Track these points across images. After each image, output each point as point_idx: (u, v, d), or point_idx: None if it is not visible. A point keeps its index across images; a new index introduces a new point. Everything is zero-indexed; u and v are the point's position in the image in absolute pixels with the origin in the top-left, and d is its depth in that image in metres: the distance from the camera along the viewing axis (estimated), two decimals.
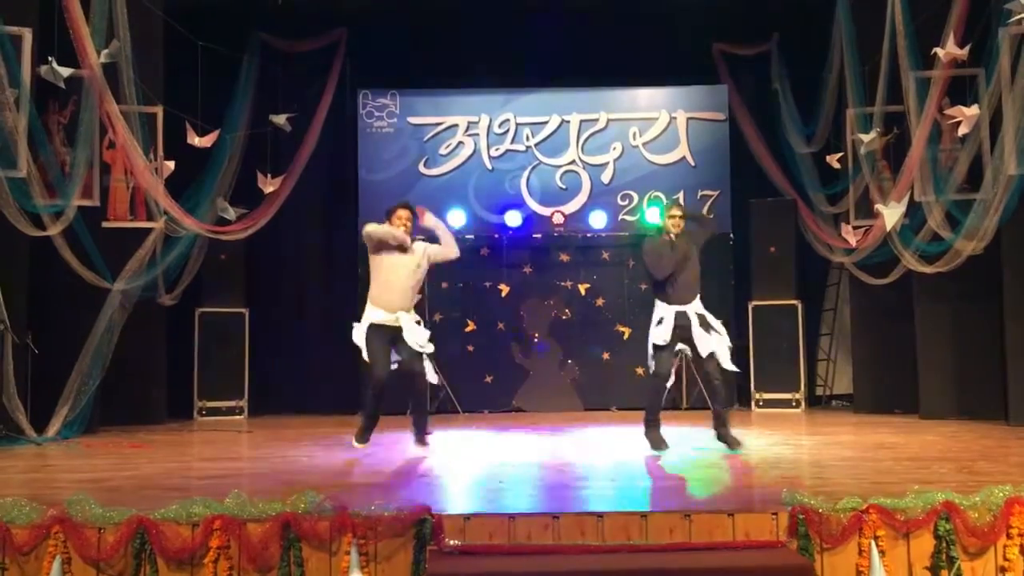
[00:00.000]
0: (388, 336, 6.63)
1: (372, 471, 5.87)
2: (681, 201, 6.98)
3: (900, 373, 9.08)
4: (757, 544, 4.25)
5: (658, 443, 6.56)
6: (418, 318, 6.84)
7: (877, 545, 4.20)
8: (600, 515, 4.33)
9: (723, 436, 6.57)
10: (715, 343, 6.49)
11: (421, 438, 6.75)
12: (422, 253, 6.81)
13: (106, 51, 7.52)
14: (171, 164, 8.74)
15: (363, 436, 6.76)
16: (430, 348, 6.70)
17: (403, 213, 6.73)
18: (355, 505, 4.28)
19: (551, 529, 4.29)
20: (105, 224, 8.55)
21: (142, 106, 8.25)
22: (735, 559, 4.16)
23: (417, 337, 6.63)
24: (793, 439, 7.46)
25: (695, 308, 6.57)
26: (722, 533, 4.29)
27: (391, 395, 6.66)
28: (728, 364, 6.51)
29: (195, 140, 8.76)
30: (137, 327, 8.55)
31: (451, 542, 4.20)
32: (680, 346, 6.54)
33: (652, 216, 9.72)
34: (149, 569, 4.08)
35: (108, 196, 8.69)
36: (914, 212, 8.10)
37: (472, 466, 6.15)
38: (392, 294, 6.65)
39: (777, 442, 7.22)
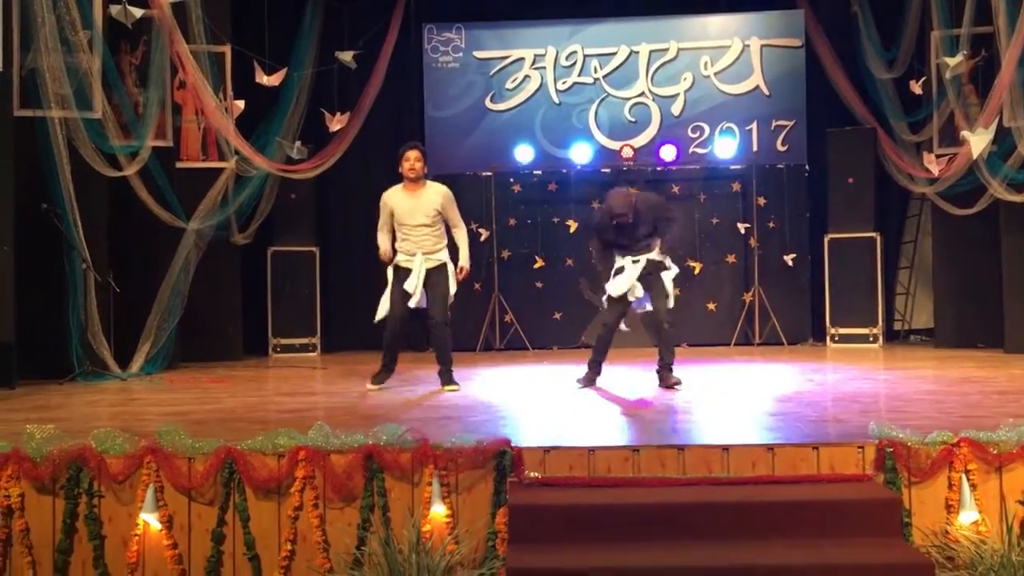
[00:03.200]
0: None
1: (449, 406, 5.91)
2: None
3: (984, 306, 8.80)
4: (843, 477, 4.18)
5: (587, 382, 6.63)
6: (443, 260, 6.58)
7: (968, 479, 4.10)
8: (681, 448, 4.30)
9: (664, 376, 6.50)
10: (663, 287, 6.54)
11: (442, 377, 6.63)
12: (437, 199, 6.53)
13: None
14: (240, 104, 8.79)
15: (377, 377, 6.73)
16: (416, 300, 6.45)
17: (411, 155, 6.50)
18: (435, 438, 4.31)
19: (631, 462, 4.28)
20: (179, 164, 8.68)
21: (210, 45, 8.29)
22: (820, 492, 4.11)
23: (413, 283, 6.44)
24: (872, 374, 7.31)
25: (648, 256, 6.57)
26: (806, 466, 4.23)
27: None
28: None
29: (263, 79, 8.78)
30: (212, 266, 8.72)
31: (531, 474, 4.21)
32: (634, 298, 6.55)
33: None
34: (238, 497, 4.19)
35: (180, 137, 8.80)
36: (1003, 138, 7.77)
37: (546, 400, 6.16)
38: (407, 238, 6.55)
39: (856, 376, 7.09)
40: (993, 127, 7.70)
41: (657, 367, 6.56)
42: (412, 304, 6.51)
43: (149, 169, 7.88)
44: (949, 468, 4.13)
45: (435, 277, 6.55)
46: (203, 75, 7.98)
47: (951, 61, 8.18)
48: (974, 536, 4.01)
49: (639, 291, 6.53)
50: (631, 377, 7.11)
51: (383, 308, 6.61)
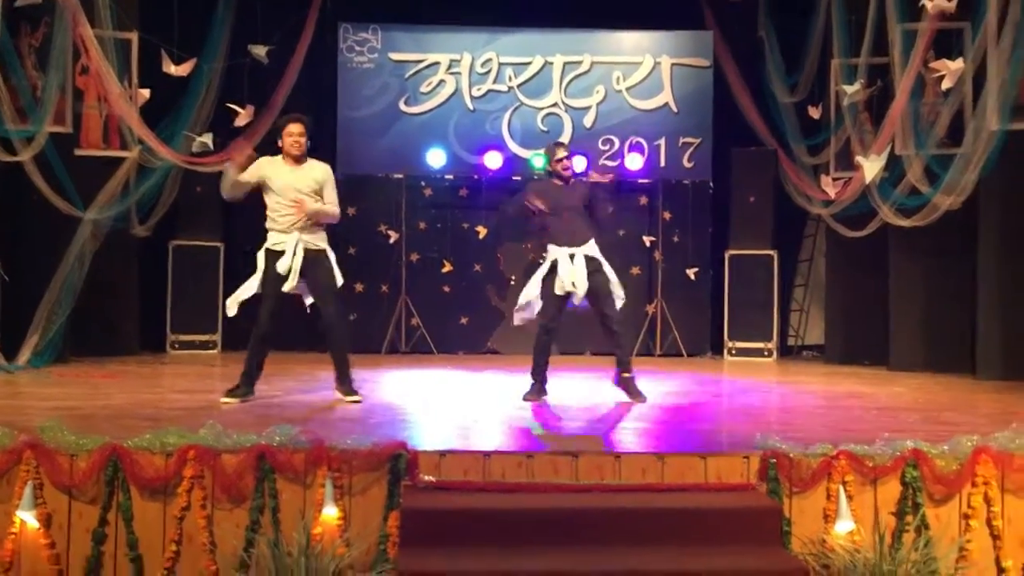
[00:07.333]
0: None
1: (349, 408, 5.85)
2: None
3: (871, 325, 9.16)
4: (728, 486, 4.31)
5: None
6: (323, 247, 5.91)
7: (845, 490, 4.28)
8: (574, 454, 4.36)
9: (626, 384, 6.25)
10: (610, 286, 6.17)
11: (342, 386, 6.04)
12: (321, 178, 5.93)
13: None
14: (146, 92, 8.56)
15: (235, 391, 5.91)
16: (291, 285, 5.74)
17: (295, 128, 5.86)
18: (330, 440, 4.28)
19: (525, 467, 4.33)
20: (78, 152, 8.38)
21: (116, 31, 8.06)
22: (706, 500, 4.23)
23: (287, 263, 5.73)
24: (764, 387, 7.55)
25: (585, 251, 6.15)
26: (694, 475, 4.35)
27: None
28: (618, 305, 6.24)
29: (171, 68, 8.55)
30: (109, 258, 8.45)
31: (426, 477, 4.22)
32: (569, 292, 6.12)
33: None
34: (122, 497, 4.08)
35: (81, 123, 8.51)
36: (894, 165, 8.11)
37: (447, 405, 6.17)
38: (283, 216, 5.85)
39: (748, 389, 7.32)
40: (885, 154, 8.04)
41: (616, 378, 6.25)
42: (286, 288, 5.76)
43: (46, 155, 7.60)
44: (828, 479, 4.30)
45: (316, 267, 5.86)
46: (107, 61, 7.75)
47: (849, 89, 8.51)
48: (848, 545, 4.18)
49: (581, 291, 6.06)
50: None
51: (242, 297, 5.90)
